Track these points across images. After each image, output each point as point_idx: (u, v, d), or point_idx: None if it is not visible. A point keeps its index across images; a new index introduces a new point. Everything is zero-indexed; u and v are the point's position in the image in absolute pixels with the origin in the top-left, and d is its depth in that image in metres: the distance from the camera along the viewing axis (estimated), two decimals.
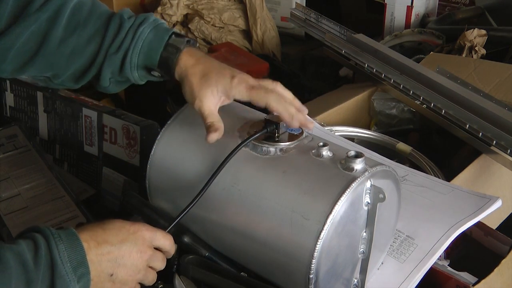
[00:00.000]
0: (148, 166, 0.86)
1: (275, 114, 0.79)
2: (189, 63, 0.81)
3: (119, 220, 0.72)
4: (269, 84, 0.80)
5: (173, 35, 0.84)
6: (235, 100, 0.81)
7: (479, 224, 0.87)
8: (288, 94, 0.81)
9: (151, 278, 0.73)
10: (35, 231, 0.66)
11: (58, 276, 0.63)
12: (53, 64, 0.84)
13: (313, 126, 0.83)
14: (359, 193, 0.70)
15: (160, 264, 0.74)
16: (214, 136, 0.77)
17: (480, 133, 1.04)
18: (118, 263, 0.69)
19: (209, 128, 0.77)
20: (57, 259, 0.64)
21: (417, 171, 0.99)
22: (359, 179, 0.69)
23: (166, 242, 0.74)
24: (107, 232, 0.69)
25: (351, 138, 1.15)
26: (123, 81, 0.87)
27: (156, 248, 0.74)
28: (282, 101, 0.78)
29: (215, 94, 0.79)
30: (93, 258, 0.67)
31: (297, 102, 0.81)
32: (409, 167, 1.03)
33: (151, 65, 0.84)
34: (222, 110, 0.84)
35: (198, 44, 0.85)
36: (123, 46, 0.83)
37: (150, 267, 0.73)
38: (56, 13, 0.83)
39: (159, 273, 0.75)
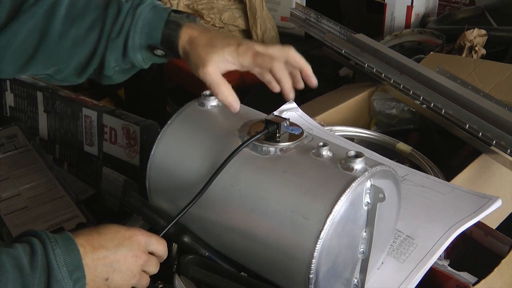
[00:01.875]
0: (148, 166, 0.86)
1: (277, 78, 0.80)
2: (193, 35, 0.81)
3: (115, 225, 0.72)
4: (278, 51, 0.81)
5: (172, 12, 0.83)
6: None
7: (479, 224, 0.87)
8: (300, 59, 0.82)
9: (145, 282, 0.74)
10: (31, 235, 0.66)
11: (54, 280, 0.63)
12: (55, 59, 0.83)
13: (316, 83, 0.83)
14: (359, 193, 0.70)
15: (154, 269, 0.75)
16: (236, 106, 0.78)
17: (480, 133, 1.04)
18: (113, 267, 0.69)
19: (228, 103, 0.78)
20: (54, 263, 0.64)
21: (417, 171, 0.99)
22: (359, 179, 0.69)
23: (160, 247, 0.75)
24: (103, 237, 0.70)
25: (351, 138, 1.15)
26: (127, 68, 0.86)
27: (150, 253, 0.74)
28: (286, 70, 0.80)
29: (221, 59, 0.78)
30: (89, 262, 0.67)
31: (308, 69, 0.82)
32: (409, 167, 1.03)
33: (154, 43, 0.83)
34: (222, 110, 0.84)
35: (198, 19, 0.85)
36: (124, 29, 0.82)
37: (144, 271, 0.73)
38: (52, 6, 0.81)
39: (159, 273, 0.76)
